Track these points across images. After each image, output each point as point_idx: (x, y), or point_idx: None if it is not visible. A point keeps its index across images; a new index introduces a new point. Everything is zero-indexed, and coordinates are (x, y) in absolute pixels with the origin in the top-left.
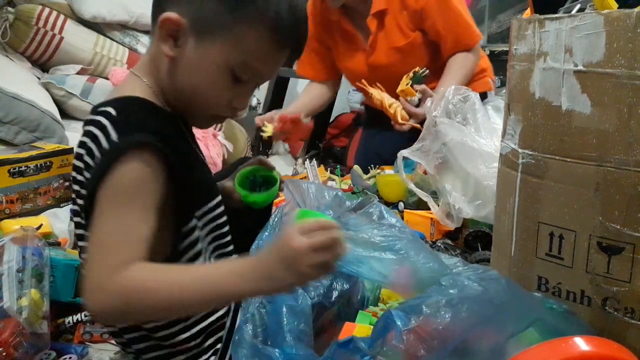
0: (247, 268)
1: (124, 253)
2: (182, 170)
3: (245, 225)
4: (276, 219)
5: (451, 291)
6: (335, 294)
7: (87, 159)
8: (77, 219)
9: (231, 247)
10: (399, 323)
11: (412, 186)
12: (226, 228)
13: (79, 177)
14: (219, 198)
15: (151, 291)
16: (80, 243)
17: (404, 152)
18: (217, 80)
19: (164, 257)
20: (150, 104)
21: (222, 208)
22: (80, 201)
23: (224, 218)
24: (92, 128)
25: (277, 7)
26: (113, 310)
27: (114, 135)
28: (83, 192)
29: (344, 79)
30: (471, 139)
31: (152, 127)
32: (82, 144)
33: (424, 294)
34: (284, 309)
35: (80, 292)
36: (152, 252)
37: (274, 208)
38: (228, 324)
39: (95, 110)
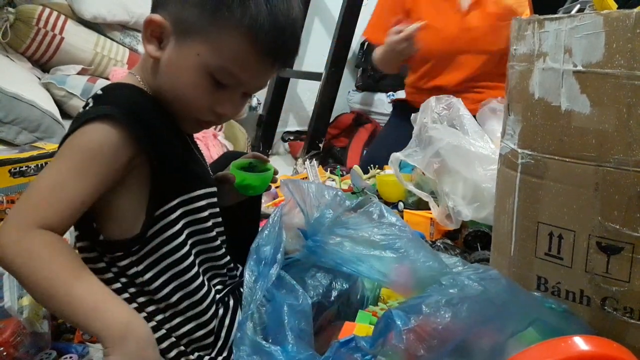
0: (118, 343)
1: (44, 212)
2: (157, 152)
3: (236, 221)
4: (276, 217)
5: (451, 291)
6: (334, 293)
7: None
8: None
9: (217, 242)
10: (398, 322)
11: (411, 187)
12: (209, 223)
13: None
14: (207, 190)
15: (40, 268)
16: (78, 244)
17: (398, 155)
18: (196, 83)
19: (132, 235)
20: (139, 90)
21: (206, 202)
22: None
23: (206, 213)
24: (81, 109)
25: (255, 14)
26: (6, 262)
27: (90, 105)
28: None
29: (344, 79)
30: (467, 142)
31: (130, 105)
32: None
33: (423, 293)
34: (285, 308)
35: None
36: (117, 227)
37: (272, 208)
38: (227, 322)
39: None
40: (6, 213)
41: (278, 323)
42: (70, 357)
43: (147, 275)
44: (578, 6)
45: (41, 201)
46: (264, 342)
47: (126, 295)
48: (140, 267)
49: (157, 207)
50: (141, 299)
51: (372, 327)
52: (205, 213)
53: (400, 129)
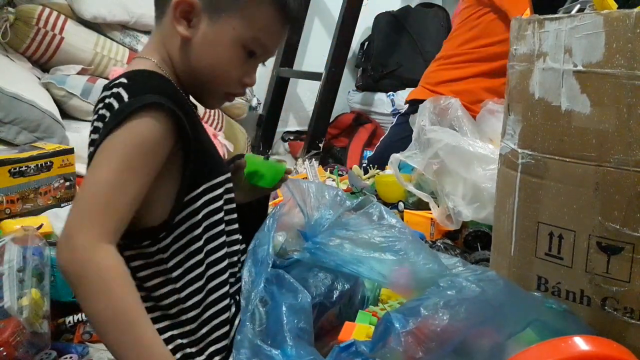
0: None
1: (112, 218)
2: (193, 139)
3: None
4: (272, 218)
5: (449, 292)
6: (336, 294)
7: (102, 126)
8: None
9: (224, 238)
10: (397, 325)
11: (410, 188)
12: (221, 214)
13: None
14: (226, 177)
15: (100, 294)
16: None
17: (397, 156)
18: (233, 56)
19: (160, 221)
20: (159, 75)
21: (223, 189)
22: None
23: (221, 201)
24: (107, 100)
25: None
26: (69, 276)
27: (126, 97)
28: None
29: (344, 79)
30: (465, 143)
31: (163, 90)
32: (98, 118)
33: (422, 295)
34: (284, 308)
35: None
36: (150, 214)
37: (271, 208)
38: (236, 322)
39: (108, 87)
40: (6, 213)
41: (277, 324)
42: (70, 357)
43: (171, 263)
44: (578, 6)
45: (107, 206)
46: (264, 345)
47: (148, 285)
48: (166, 254)
49: (185, 193)
50: (162, 291)
51: (372, 327)
52: (221, 201)
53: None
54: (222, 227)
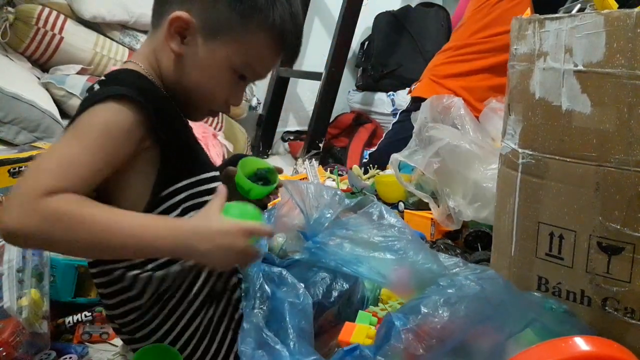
0: (183, 234)
1: (58, 179)
2: (166, 132)
3: None
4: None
5: (449, 290)
6: (335, 293)
7: None
8: None
9: None
10: (397, 323)
11: (411, 188)
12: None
13: None
14: (213, 174)
15: (75, 222)
16: None
17: (397, 156)
18: (222, 79)
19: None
20: (141, 76)
21: (210, 186)
22: None
23: (208, 197)
24: (86, 94)
25: (281, 15)
26: (30, 232)
27: (97, 88)
28: None
29: (344, 79)
30: (467, 141)
31: (137, 87)
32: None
33: (422, 294)
34: (286, 305)
35: (80, 292)
36: (126, 206)
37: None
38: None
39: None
40: None
41: (279, 320)
42: (70, 358)
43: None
44: (579, 6)
45: (57, 172)
46: (270, 337)
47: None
48: None
49: (162, 188)
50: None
51: (372, 327)
52: (207, 197)
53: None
54: None
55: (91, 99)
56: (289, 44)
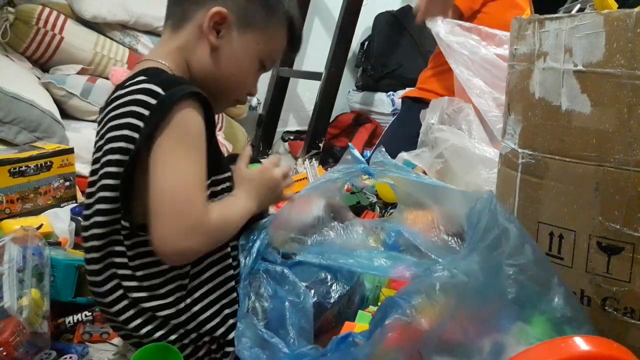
0: (248, 194)
1: (203, 194)
2: (212, 128)
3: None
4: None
5: (443, 274)
6: (335, 294)
7: (135, 122)
8: (103, 206)
9: None
10: (391, 308)
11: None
12: None
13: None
14: (229, 174)
15: (230, 223)
16: (93, 230)
17: (404, 155)
18: (251, 67)
19: None
20: (172, 74)
21: (227, 185)
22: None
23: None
24: (134, 97)
25: (294, 9)
26: (206, 247)
27: (160, 90)
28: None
29: (344, 79)
30: (471, 144)
31: (185, 82)
32: (126, 114)
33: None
34: (287, 304)
35: (80, 291)
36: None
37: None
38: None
39: (124, 86)
40: (5, 213)
41: (280, 318)
42: (70, 357)
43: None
44: (578, 6)
45: (199, 188)
46: (266, 333)
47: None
48: None
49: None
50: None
51: None
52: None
53: (409, 126)
54: None
55: (167, 104)
56: (297, 32)
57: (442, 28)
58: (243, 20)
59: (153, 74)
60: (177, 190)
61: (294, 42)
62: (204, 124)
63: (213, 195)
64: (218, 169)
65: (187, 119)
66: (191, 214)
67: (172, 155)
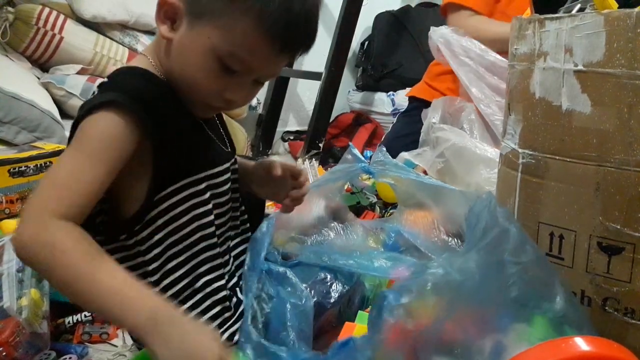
0: (150, 325)
1: (63, 203)
2: (161, 138)
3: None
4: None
5: (438, 270)
6: (336, 294)
7: None
8: None
9: (213, 228)
10: (385, 302)
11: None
12: (210, 205)
13: None
14: (208, 172)
15: (54, 262)
16: None
17: (405, 155)
18: (205, 66)
19: (130, 214)
20: (148, 74)
21: (207, 183)
22: None
23: (207, 195)
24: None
25: (267, 0)
26: (27, 253)
27: (96, 92)
28: None
29: (344, 79)
30: (472, 144)
31: (135, 91)
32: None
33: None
34: (288, 306)
35: None
36: (127, 208)
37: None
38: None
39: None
40: (5, 213)
41: (280, 321)
42: (70, 358)
43: (149, 256)
44: (579, 6)
45: (59, 192)
46: (267, 344)
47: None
48: (143, 247)
49: (159, 189)
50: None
51: None
52: (207, 195)
53: (416, 125)
54: (208, 220)
55: (86, 106)
56: (277, 30)
57: (446, 36)
58: (194, 10)
59: (113, 76)
60: (47, 182)
61: (275, 40)
62: (134, 131)
63: (197, 195)
64: (196, 168)
65: (89, 128)
66: (40, 203)
67: (63, 156)
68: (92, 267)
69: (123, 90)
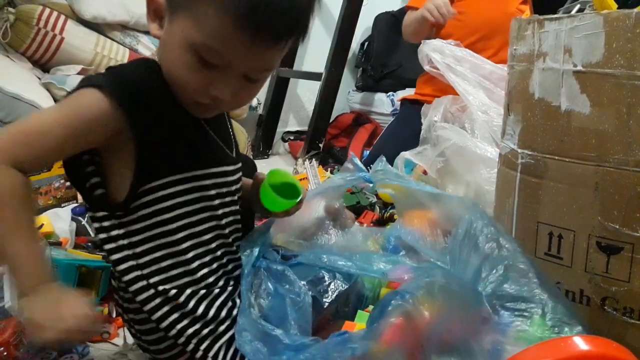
0: (32, 289)
1: (23, 151)
2: (145, 130)
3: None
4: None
5: (436, 273)
6: (334, 293)
7: None
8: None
9: (223, 222)
10: (387, 304)
11: None
12: (216, 202)
13: None
14: (214, 170)
15: None
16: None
17: (405, 154)
18: (184, 61)
19: (116, 201)
20: (150, 67)
21: (213, 181)
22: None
23: (213, 192)
24: None
25: None
26: None
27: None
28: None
29: (344, 79)
30: (473, 144)
31: (129, 80)
32: None
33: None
34: (287, 300)
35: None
36: (112, 192)
37: None
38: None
39: None
40: None
41: (279, 315)
42: (71, 357)
43: (127, 241)
44: (578, 6)
45: (24, 140)
46: (267, 326)
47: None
48: (122, 230)
49: (143, 182)
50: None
51: None
52: (213, 192)
53: (408, 126)
54: (214, 213)
55: (82, 82)
56: (246, 18)
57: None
58: (171, 4)
59: (113, 66)
60: (19, 127)
61: (249, 26)
62: (114, 117)
63: (191, 192)
64: (186, 166)
65: (72, 97)
66: (4, 144)
67: (43, 111)
68: (14, 229)
69: (116, 76)
